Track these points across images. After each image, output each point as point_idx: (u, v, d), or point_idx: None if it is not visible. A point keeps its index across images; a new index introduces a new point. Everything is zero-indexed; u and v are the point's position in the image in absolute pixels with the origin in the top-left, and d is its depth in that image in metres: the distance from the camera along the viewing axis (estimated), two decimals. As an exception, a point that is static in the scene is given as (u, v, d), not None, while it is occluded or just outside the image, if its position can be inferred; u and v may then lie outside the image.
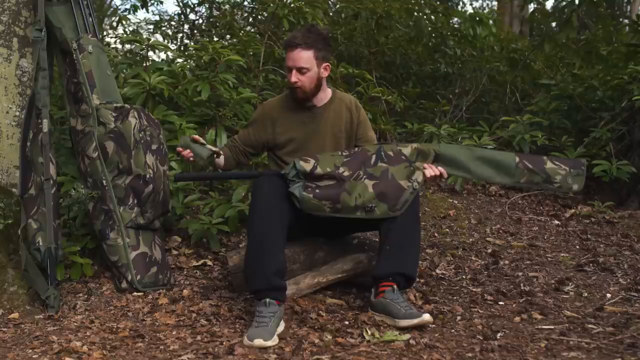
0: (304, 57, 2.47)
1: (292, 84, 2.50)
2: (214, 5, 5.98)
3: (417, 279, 2.66)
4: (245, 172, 2.56)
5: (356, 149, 2.44)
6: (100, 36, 3.05)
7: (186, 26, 6.23)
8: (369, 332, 2.13)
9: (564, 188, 2.38)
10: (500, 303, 2.50)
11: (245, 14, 6.09)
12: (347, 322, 2.27)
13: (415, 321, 2.15)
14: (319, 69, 2.51)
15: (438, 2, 6.69)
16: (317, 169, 2.29)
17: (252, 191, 2.40)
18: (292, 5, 4.61)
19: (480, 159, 2.41)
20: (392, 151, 2.39)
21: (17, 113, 2.64)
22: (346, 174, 2.31)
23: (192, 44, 5.70)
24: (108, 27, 8.35)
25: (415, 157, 2.39)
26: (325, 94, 2.62)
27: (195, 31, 6.11)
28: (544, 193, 4.19)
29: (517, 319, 2.31)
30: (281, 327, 2.18)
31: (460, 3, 11.68)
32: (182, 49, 5.88)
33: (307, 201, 2.26)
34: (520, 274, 2.85)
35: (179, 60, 4.80)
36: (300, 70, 2.48)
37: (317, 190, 2.27)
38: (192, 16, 6.24)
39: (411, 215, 2.36)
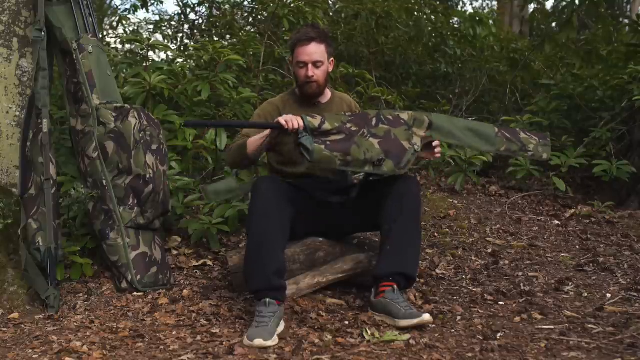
0: (319, 50, 2.49)
1: (309, 79, 2.49)
2: (214, 5, 5.98)
3: (417, 279, 2.66)
4: (262, 122, 2.47)
5: (357, 111, 2.45)
6: (100, 36, 3.05)
7: (186, 26, 6.24)
8: (369, 332, 2.13)
9: (536, 156, 2.56)
10: (500, 303, 2.50)
11: (245, 14, 6.09)
12: (347, 322, 2.27)
13: (415, 321, 2.15)
14: (329, 63, 2.55)
15: (438, 2, 6.69)
16: (324, 124, 2.28)
17: (251, 191, 2.40)
18: (292, 5, 4.61)
19: (467, 129, 2.52)
20: (390, 115, 2.43)
21: (17, 113, 2.64)
22: (354, 129, 2.32)
23: (192, 44, 5.70)
24: (108, 27, 8.35)
25: (412, 123, 2.44)
26: (327, 91, 2.65)
27: (195, 31, 6.11)
28: (544, 193, 4.19)
29: (517, 319, 2.31)
30: (281, 327, 2.18)
31: (460, 3, 11.68)
32: (182, 49, 5.89)
33: (318, 152, 2.22)
34: (520, 274, 2.85)
35: (179, 60, 4.80)
36: (316, 64, 2.49)
37: (328, 143, 2.26)
38: (192, 16, 6.25)
39: (412, 216, 2.36)
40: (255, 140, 2.42)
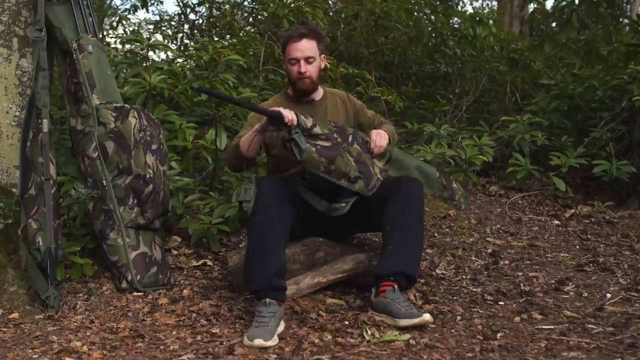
0: (311, 46, 2.50)
1: (301, 75, 2.50)
2: (214, 5, 5.98)
3: (418, 279, 2.66)
4: (264, 109, 2.38)
5: (339, 123, 2.50)
6: (100, 36, 3.05)
7: (186, 26, 6.24)
8: (369, 332, 2.13)
9: (457, 205, 2.77)
10: (500, 303, 2.50)
11: (245, 14, 6.09)
12: (347, 322, 2.27)
13: (415, 321, 2.15)
14: (320, 59, 2.56)
15: (438, 2, 6.69)
16: (316, 127, 2.31)
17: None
18: (292, 5, 4.61)
19: (417, 168, 2.65)
20: (362, 139, 2.50)
21: (17, 113, 2.64)
22: (339, 140, 2.37)
23: (192, 44, 5.70)
24: (108, 27, 8.35)
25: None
26: (319, 88, 2.65)
27: (195, 31, 6.11)
28: (544, 193, 4.19)
29: (517, 319, 2.31)
30: (281, 327, 2.18)
31: (460, 3, 11.68)
32: (182, 49, 5.89)
33: (309, 153, 2.25)
34: (520, 274, 2.85)
35: (179, 60, 4.80)
36: (308, 60, 2.50)
37: (318, 147, 2.29)
38: (192, 16, 6.24)
39: (415, 217, 2.36)
40: (247, 138, 2.40)
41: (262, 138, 2.40)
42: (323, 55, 2.59)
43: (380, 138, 2.53)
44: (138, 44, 3.96)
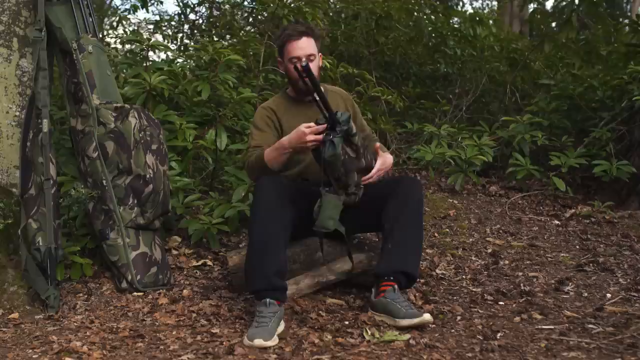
0: (311, 44, 2.50)
1: None
2: (214, 5, 5.98)
3: (417, 279, 2.66)
4: (333, 113, 2.26)
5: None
6: (100, 36, 3.05)
7: (186, 26, 6.24)
8: (369, 332, 2.13)
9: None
10: (500, 303, 2.50)
11: (245, 14, 6.09)
12: (347, 322, 2.27)
13: (415, 321, 2.15)
14: (319, 57, 2.55)
15: (438, 2, 6.70)
16: (356, 136, 2.28)
17: (253, 191, 2.39)
18: (292, 5, 4.61)
19: None
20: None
21: (17, 113, 2.64)
22: (360, 153, 2.35)
23: (192, 44, 5.70)
24: (108, 27, 8.34)
25: None
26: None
27: (195, 31, 6.11)
28: (544, 193, 4.19)
29: (517, 319, 2.31)
30: (281, 327, 2.18)
31: (460, 3, 11.68)
32: (182, 49, 5.89)
33: (337, 159, 2.20)
34: (520, 274, 2.85)
35: (179, 60, 4.80)
36: (309, 58, 2.49)
37: (346, 156, 2.26)
38: (192, 16, 6.24)
39: (414, 216, 2.36)
40: (277, 159, 2.34)
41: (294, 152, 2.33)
42: (320, 54, 2.59)
43: (382, 171, 2.46)
44: (138, 44, 3.95)
